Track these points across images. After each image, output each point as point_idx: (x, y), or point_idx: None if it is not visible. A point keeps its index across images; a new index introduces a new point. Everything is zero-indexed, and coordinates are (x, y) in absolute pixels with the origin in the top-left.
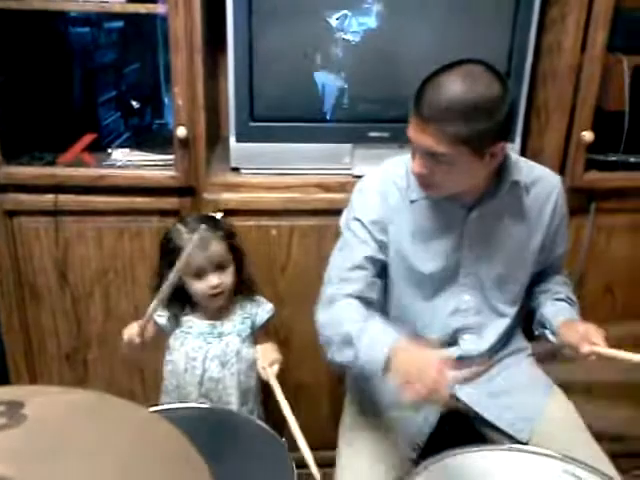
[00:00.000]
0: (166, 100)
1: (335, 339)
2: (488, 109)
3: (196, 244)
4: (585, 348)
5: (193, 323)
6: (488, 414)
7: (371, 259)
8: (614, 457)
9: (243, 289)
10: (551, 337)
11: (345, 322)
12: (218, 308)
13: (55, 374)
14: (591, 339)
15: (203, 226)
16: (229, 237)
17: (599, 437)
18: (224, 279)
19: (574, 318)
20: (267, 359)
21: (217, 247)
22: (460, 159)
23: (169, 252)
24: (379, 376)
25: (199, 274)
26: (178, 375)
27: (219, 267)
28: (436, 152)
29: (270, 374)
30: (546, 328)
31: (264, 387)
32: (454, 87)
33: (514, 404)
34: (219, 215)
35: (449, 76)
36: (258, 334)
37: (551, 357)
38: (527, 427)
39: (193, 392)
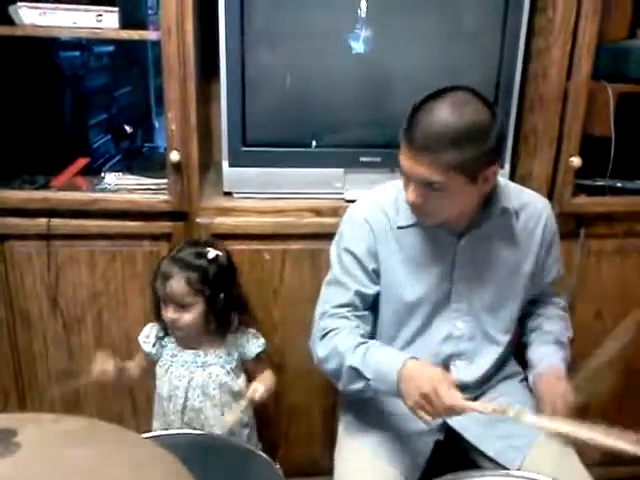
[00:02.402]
0: (156, 123)
1: (342, 371)
2: (479, 135)
3: None
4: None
5: (178, 351)
6: (480, 443)
7: (361, 294)
8: None
9: (226, 326)
10: (531, 383)
11: (346, 354)
12: (198, 338)
13: (46, 400)
14: (555, 409)
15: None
16: (203, 281)
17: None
18: (183, 316)
19: (555, 369)
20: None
21: (176, 286)
22: (454, 186)
23: (155, 274)
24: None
25: (164, 301)
26: (162, 402)
27: (178, 304)
28: (431, 181)
29: (251, 394)
30: (530, 372)
31: (258, 417)
32: (445, 116)
33: (506, 433)
34: (212, 254)
35: (439, 105)
36: (250, 367)
37: None
38: (518, 456)
39: (176, 421)
